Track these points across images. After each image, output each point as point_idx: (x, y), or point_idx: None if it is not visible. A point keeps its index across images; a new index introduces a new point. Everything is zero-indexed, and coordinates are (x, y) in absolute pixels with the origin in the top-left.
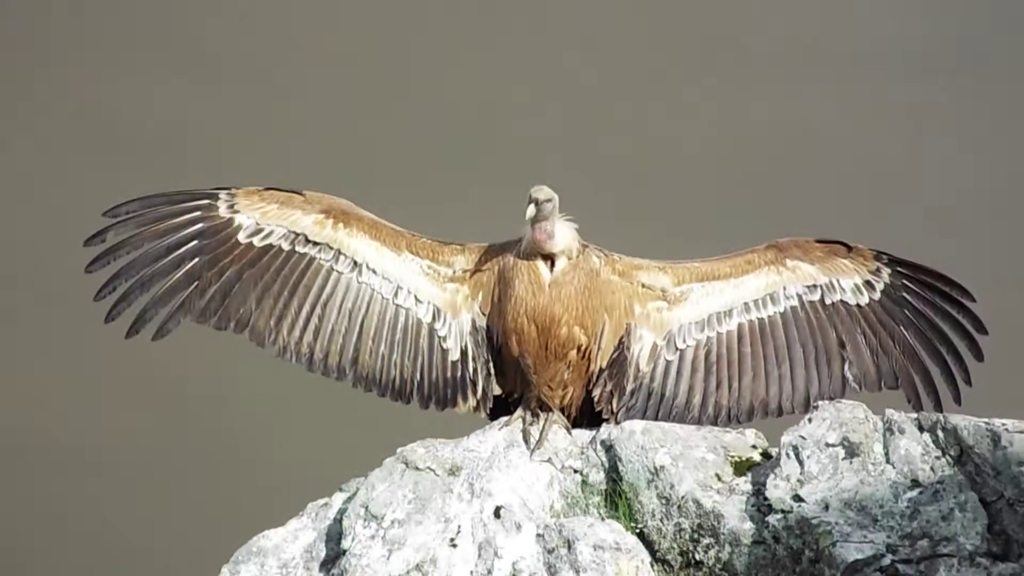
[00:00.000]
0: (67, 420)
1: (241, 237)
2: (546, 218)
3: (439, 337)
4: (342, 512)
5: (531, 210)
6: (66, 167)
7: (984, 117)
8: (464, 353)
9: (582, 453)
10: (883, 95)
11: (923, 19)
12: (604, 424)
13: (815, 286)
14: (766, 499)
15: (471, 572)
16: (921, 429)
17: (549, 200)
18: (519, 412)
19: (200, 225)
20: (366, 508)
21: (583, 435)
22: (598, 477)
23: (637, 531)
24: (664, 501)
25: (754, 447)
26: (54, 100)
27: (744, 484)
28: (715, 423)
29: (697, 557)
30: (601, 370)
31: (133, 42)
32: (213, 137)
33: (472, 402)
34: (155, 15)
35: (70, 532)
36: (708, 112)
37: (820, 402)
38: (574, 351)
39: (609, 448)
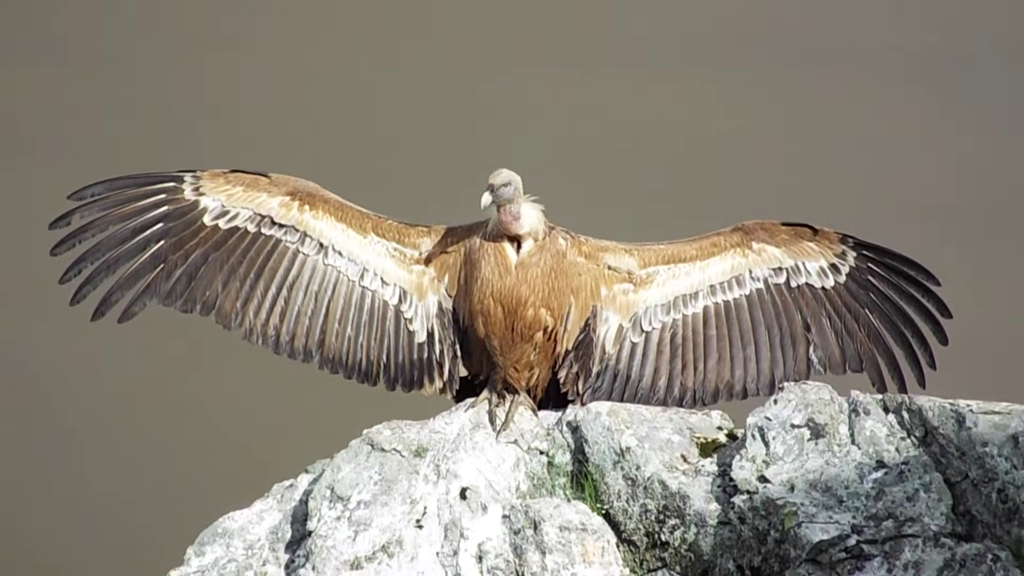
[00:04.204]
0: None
1: (207, 219)
2: (510, 201)
3: (405, 319)
4: (308, 493)
5: (486, 198)
6: None
7: (875, 110)
8: (430, 335)
9: (548, 435)
10: (767, 86)
11: (809, 9)
12: (570, 406)
13: (781, 269)
14: (732, 480)
15: (437, 553)
16: (886, 410)
17: (506, 184)
18: (485, 394)
19: (165, 208)
20: (332, 489)
21: (549, 417)
22: (564, 458)
23: (603, 512)
24: (630, 482)
25: (720, 428)
26: None
27: (710, 465)
28: (680, 405)
29: (663, 538)
30: (567, 352)
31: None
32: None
33: (438, 384)
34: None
35: (38, 512)
36: (596, 108)
37: (786, 383)
38: (540, 333)
39: (575, 430)
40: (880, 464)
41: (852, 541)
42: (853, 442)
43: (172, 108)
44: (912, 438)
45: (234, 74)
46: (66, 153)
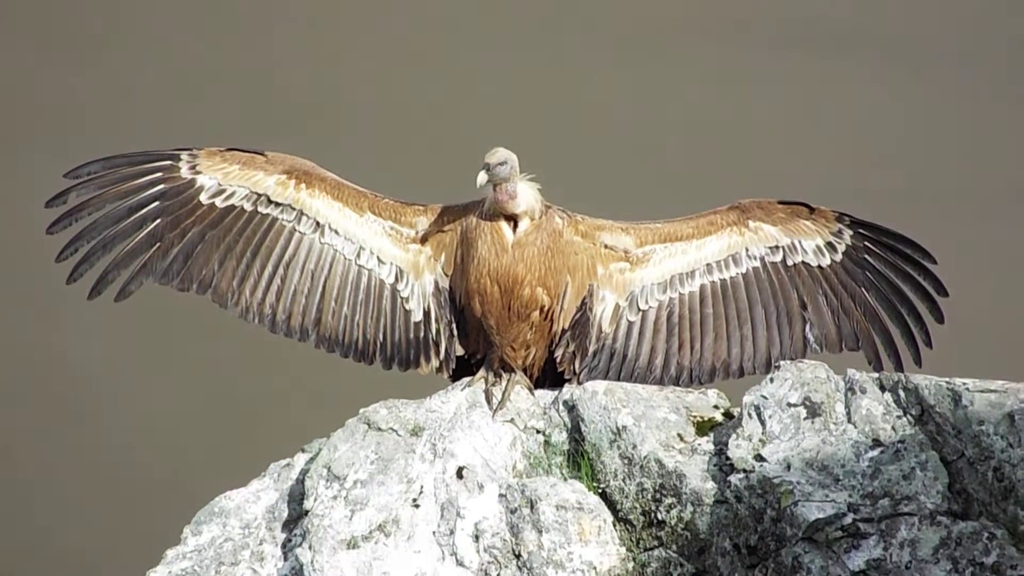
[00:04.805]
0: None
1: (203, 198)
2: (506, 180)
3: (402, 298)
4: (304, 473)
5: (482, 177)
6: None
7: (849, 88)
8: (427, 314)
9: (544, 413)
10: (751, 67)
11: None
12: (566, 384)
13: (777, 247)
14: (728, 459)
15: (434, 532)
16: (882, 389)
17: (503, 163)
18: (482, 372)
19: (162, 186)
20: (328, 469)
21: (546, 395)
22: (560, 437)
23: (599, 491)
24: (626, 461)
25: (716, 407)
26: None
27: (706, 444)
28: (677, 384)
29: (659, 517)
30: (563, 331)
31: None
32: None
33: (435, 363)
34: None
35: (23, 495)
36: (583, 94)
37: (782, 362)
38: (537, 312)
39: (572, 408)
40: (876, 443)
41: (848, 519)
42: (849, 421)
43: (171, 103)
44: (908, 416)
45: (233, 68)
46: (64, 150)
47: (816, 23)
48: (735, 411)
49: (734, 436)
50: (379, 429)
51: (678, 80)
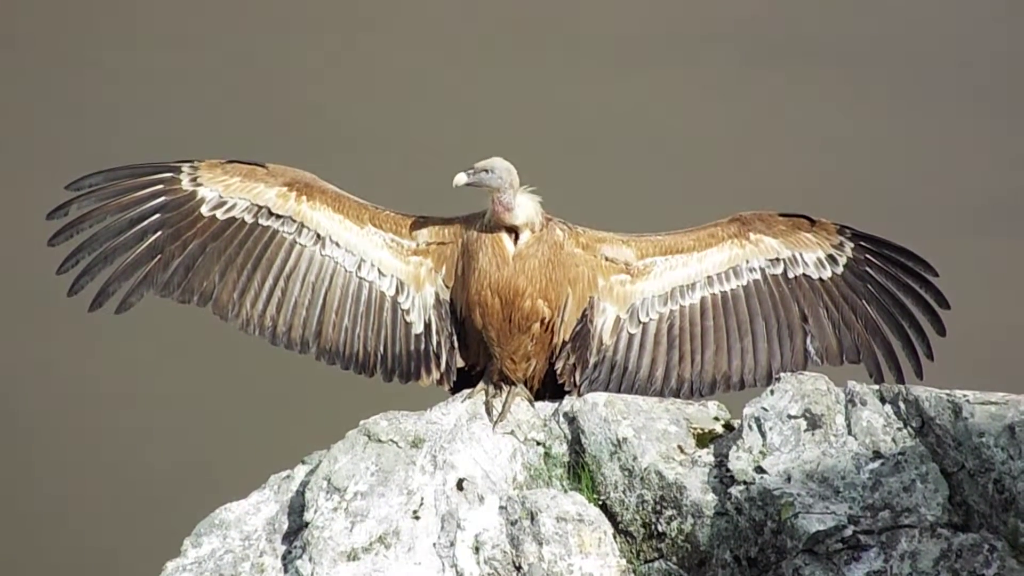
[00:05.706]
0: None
1: (204, 210)
2: (495, 188)
3: (402, 310)
4: (304, 484)
5: (460, 177)
6: None
7: (820, 102)
8: (427, 326)
9: (545, 425)
10: (727, 79)
11: (768, 4)
12: (567, 396)
13: (778, 259)
14: (728, 471)
15: (434, 544)
16: (883, 401)
17: (486, 170)
18: (482, 384)
19: (163, 198)
20: (329, 480)
21: (546, 407)
22: (561, 449)
23: (600, 503)
24: (627, 473)
25: (716, 419)
26: None
27: (706, 456)
28: (677, 396)
29: (660, 529)
30: (564, 343)
31: None
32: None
33: (436, 375)
34: None
35: (20, 506)
36: (567, 105)
37: (782, 374)
38: (537, 324)
39: (572, 420)
40: (877, 455)
41: (848, 532)
42: (850, 432)
43: (170, 109)
44: (909, 428)
45: (233, 74)
46: (63, 155)
47: (811, 37)
48: (735, 423)
49: (734, 448)
50: (379, 441)
51: (674, 91)
